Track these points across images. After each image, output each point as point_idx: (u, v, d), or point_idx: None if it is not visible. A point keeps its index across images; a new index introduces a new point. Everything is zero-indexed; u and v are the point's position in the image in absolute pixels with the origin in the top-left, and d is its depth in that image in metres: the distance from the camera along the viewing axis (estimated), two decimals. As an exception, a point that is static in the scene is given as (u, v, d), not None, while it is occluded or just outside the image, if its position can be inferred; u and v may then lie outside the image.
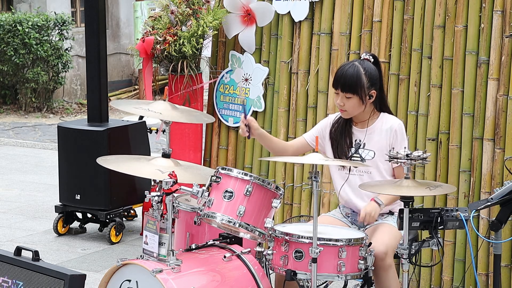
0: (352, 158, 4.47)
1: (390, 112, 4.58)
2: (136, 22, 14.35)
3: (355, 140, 4.49)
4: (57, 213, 6.81)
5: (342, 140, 4.50)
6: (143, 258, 4.05)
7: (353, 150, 4.48)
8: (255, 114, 6.12)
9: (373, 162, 4.43)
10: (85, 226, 6.90)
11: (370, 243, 4.10)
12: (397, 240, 4.18)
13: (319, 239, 3.94)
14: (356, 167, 4.44)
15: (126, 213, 6.97)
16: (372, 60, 4.49)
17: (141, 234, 6.71)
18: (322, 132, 4.59)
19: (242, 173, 4.15)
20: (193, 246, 4.28)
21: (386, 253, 4.17)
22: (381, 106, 4.52)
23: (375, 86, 4.44)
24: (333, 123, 4.58)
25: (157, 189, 4.07)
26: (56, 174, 6.88)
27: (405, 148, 4.11)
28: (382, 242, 4.18)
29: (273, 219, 4.21)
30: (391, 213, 4.48)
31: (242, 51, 6.17)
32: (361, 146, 4.47)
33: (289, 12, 5.90)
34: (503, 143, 5.05)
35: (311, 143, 4.59)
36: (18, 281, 4.25)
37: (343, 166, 4.48)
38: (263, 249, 4.19)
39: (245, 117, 4.45)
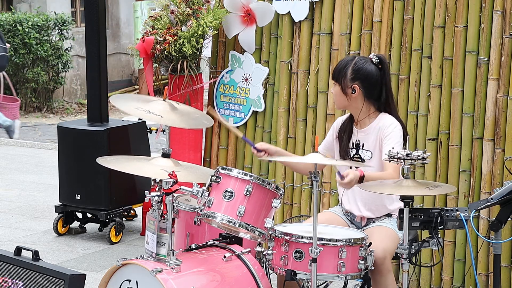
0: (354, 159, 4.47)
1: (394, 113, 4.51)
2: (136, 22, 14.36)
3: (355, 141, 4.49)
4: (57, 213, 6.81)
5: (345, 141, 4.50)
6: (143, 258, 4.05)
7: (354, 150, 4.48)
8: (255, 114, 6.12)
9: (371, 163, 4.42)
10: (85, 226, 6.89)
11: (370, 243, 4.10)
12: (395, 243, 4.17)
13: (319, 239, 3.94)
14: (357, 167, 4.43)
15: (126, 213, 6.96)
16: (376, 60, 4.44)
17: (141, 234, 6.72)
18: (333, 135, 4.60)
19: (242, 173, 4.15)
20: (193, 246, 4.28)
21: (385, 258, 4.15)
22: (386, 106, 4.50)
23: (361, 82, 4.38)
24: (341, 124, 4.58)
25: (157, 189, 4.07)
26: (56, 174, 6.88)
27: (391, 148, 4.10)
28: (380, 248, 4.15)
29: (273, 219, 4.21)
30: (389, 215, 4.46)
31: (242, 51, 6.17)
32: (361, 147, 4.47)
33: (289, 12, 5.90)
34: (503, 143, 5.05)
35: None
36: (18, 281, 4.25)
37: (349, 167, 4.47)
38: (263, 249, 4.19)
39: (256, 149, 4.52)
